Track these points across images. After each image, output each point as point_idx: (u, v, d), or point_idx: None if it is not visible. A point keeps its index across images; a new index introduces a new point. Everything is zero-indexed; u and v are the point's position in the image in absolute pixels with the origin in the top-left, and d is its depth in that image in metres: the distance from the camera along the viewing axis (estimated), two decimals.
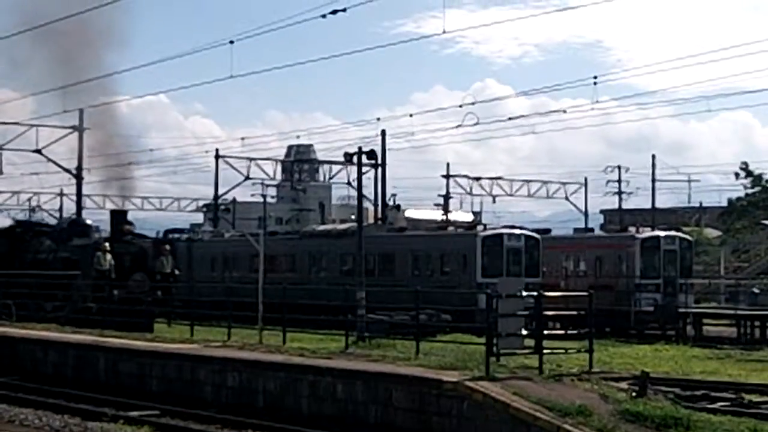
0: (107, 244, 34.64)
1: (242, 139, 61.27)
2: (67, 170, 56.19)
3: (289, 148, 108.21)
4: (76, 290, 34.20)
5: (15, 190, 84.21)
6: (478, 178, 67.00)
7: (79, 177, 54.91)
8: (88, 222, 42.36)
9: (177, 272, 35.96)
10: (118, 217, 37.65)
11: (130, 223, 37.47)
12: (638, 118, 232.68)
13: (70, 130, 54.21)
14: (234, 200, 79.09)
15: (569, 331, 20.24)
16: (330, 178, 67.37)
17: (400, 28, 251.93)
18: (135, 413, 19.58)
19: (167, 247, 36.05)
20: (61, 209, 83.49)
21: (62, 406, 20.64)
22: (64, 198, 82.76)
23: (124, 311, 31.09)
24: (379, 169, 56.49)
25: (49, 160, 56.54)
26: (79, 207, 55.55)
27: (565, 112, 59.79)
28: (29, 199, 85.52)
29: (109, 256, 34.07)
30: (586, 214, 70.48)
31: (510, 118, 49.10)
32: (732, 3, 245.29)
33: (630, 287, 43.74)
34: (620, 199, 74.08)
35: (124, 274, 34.03)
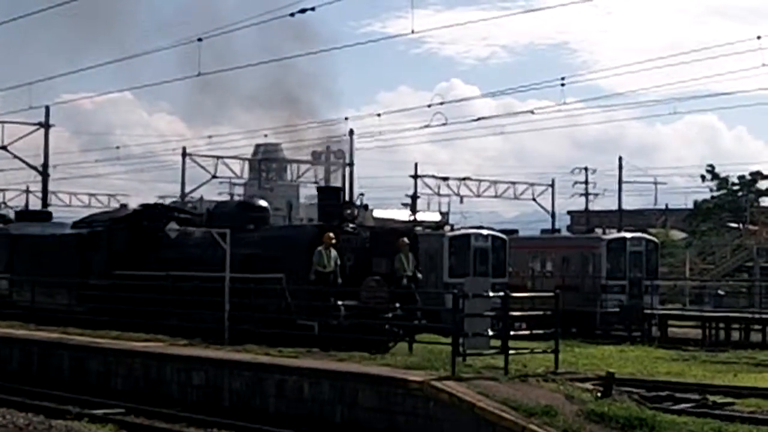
0: (332, 236, 24.71)
1: (209, 137, 60.69)
2: (33, 167, 55.80)
3: (257, 146, 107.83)
4: (277, 299, 24.77)
5: None
6: (445, 179, 66.93)
7: (44, 174, 54.56)
8: (263, 203, 29.96)
9: (420, 275, 26.79)
10: (332, 195, 27.26)
11: (354, 205, 27.55)
12: (605, 119, 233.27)
13: (36, 127, 53.88)
14: (201, 199, 78.73)
15: (535, 332, 20.25)
16: (298, 177, 67.22)
17: (367, 27, 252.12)
18: (100, 411, 19.51)
19: (406, 240, 26.13)
20: (27, 206, 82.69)
21: (26, 403, 20.52)
22: (30, 195, 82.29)
23: (354, 328, 23.17)
24: (347, 169, 56.50)
25: (15, 156, 56.09)
26: (45, 204, 55.09)
27: (533, 113, 59.57)
28: None
29: (334, 253, 24.61)
30: (553, 215, 70.50)
31: (479, 119, 49.01)
32: (697, 6, 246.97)
33: (596, 288, 43.99)
34: (587, 201, 74.38)
35: (348, 277, 24.76)
